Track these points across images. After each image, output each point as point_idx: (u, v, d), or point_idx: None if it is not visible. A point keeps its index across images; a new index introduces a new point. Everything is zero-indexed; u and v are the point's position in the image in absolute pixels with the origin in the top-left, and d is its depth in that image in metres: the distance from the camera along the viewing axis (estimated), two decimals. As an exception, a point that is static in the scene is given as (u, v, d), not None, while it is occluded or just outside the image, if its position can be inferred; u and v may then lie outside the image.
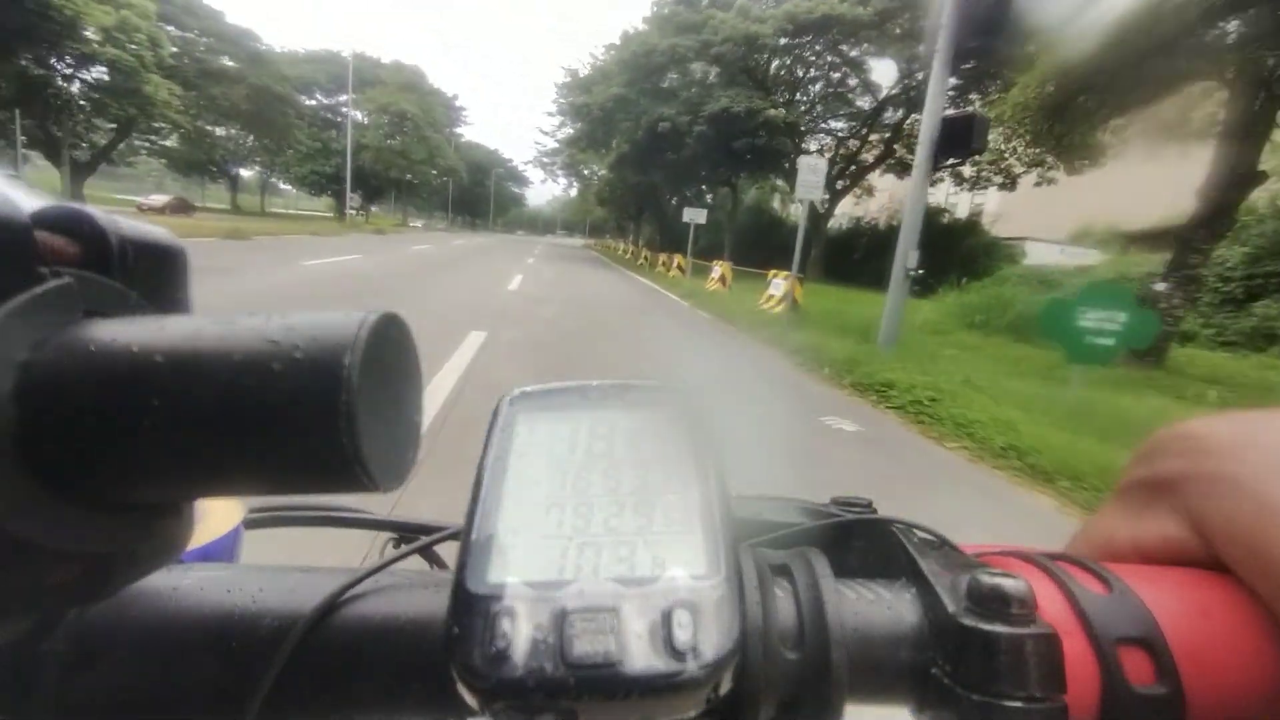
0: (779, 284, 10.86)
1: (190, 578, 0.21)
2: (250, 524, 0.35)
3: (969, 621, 0.17)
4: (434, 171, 59.52)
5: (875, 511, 0.26)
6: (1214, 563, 0.19)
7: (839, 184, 25.09)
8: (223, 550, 0.32)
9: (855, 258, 27.45)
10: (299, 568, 0.22)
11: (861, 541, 0.25)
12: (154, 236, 0.17)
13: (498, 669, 0.14)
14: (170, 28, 28.83)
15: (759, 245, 28.22)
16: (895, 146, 23.46)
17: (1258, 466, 0.18)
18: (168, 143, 37.61)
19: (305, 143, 37.88)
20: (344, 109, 50.40)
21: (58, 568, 0.13)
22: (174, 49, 25.40)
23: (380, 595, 0.21)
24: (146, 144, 35.51)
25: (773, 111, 20.03)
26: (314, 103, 49.49)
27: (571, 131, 33.63)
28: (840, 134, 24.87)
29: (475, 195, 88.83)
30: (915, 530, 0.24)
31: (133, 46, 20.96)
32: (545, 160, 45.56)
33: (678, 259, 19.47)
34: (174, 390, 0.12)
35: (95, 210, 0.15)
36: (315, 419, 0.12)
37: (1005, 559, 0.22)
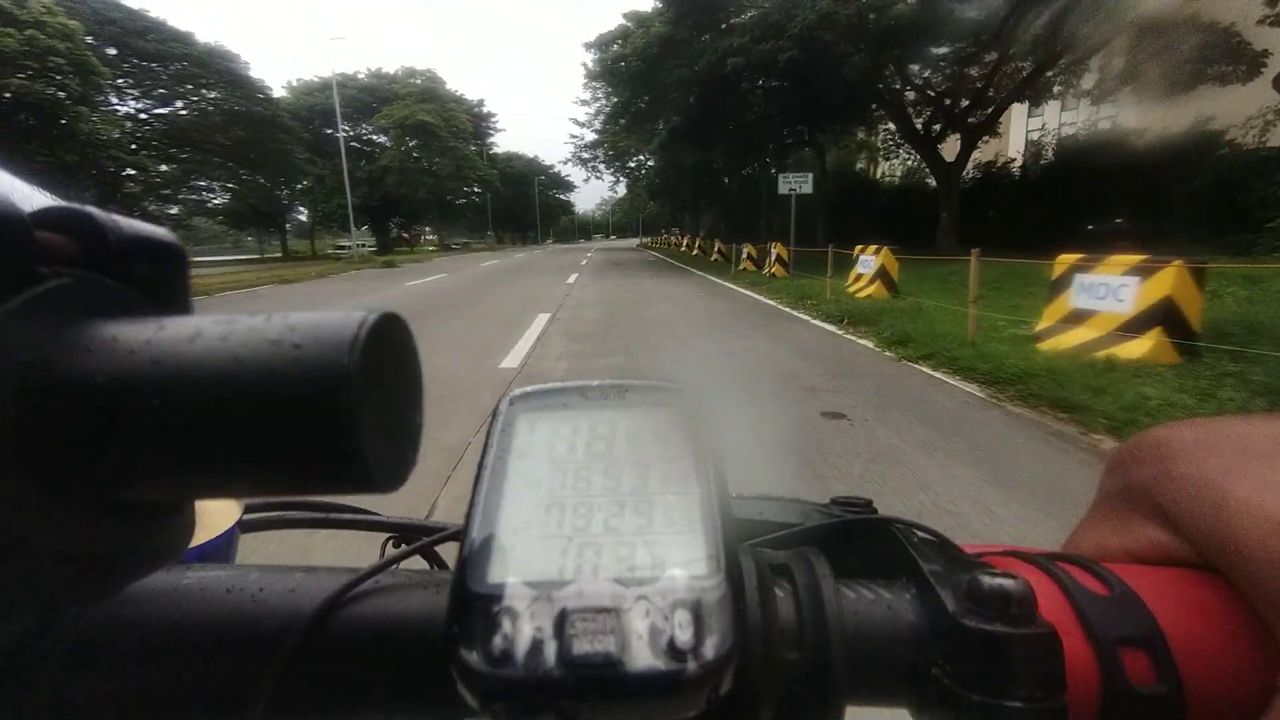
0: (1119, 290, 4.55)
1: (190, 578, 0.21)
2: (250, 524, 0.35)
3: (969, 622, 0.17)
4: (471, 188, 55.67)
5: (875, 512, 0.26)
6: (1208, 563, 0.19)
7: (970, 119, 18.33)
8: (218, 550, 0.32)
9: (990, 217, 20.69)
10: (299, 568, 0.22)
11: (861, 541, 0.25)
12: (154, 236, 0.17)
13: (498, 669, 0.14)
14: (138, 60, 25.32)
15: (851, 219, 21.88)
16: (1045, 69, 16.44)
17: (1220, 468, 0.19)
18: (218, 199, 34.87)
19: (310, 170, 33.92)
20: (363, 134, 47.00)
21: (58, 568, 0.13)
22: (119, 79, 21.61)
23: (381, 595, 0.21)
24: (175, 201, 32.63)
25: (900, 6, 13.58)
26: (343, 133, 46.39)
27: (609, 108, 28.07)
28: (943, 65, 17.92)
29: (521, 208, 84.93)
30: (915, 530, 0.24)
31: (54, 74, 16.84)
32: (584, 155, 40.21)
33: (776, 249, 13.54)
34: (174, 390, 0.12)
35: (95, 210, 0.15)
36: (315, 419, 0.12)
37: (1005, 559, 0.22)
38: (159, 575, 0.21)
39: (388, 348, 0.14)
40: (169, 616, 0.20)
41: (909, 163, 29.44)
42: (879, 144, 29.77)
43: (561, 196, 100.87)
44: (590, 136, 36.75)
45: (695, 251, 26.48)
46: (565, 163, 44.44)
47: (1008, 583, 0.18)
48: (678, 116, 22.84)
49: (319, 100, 42.62)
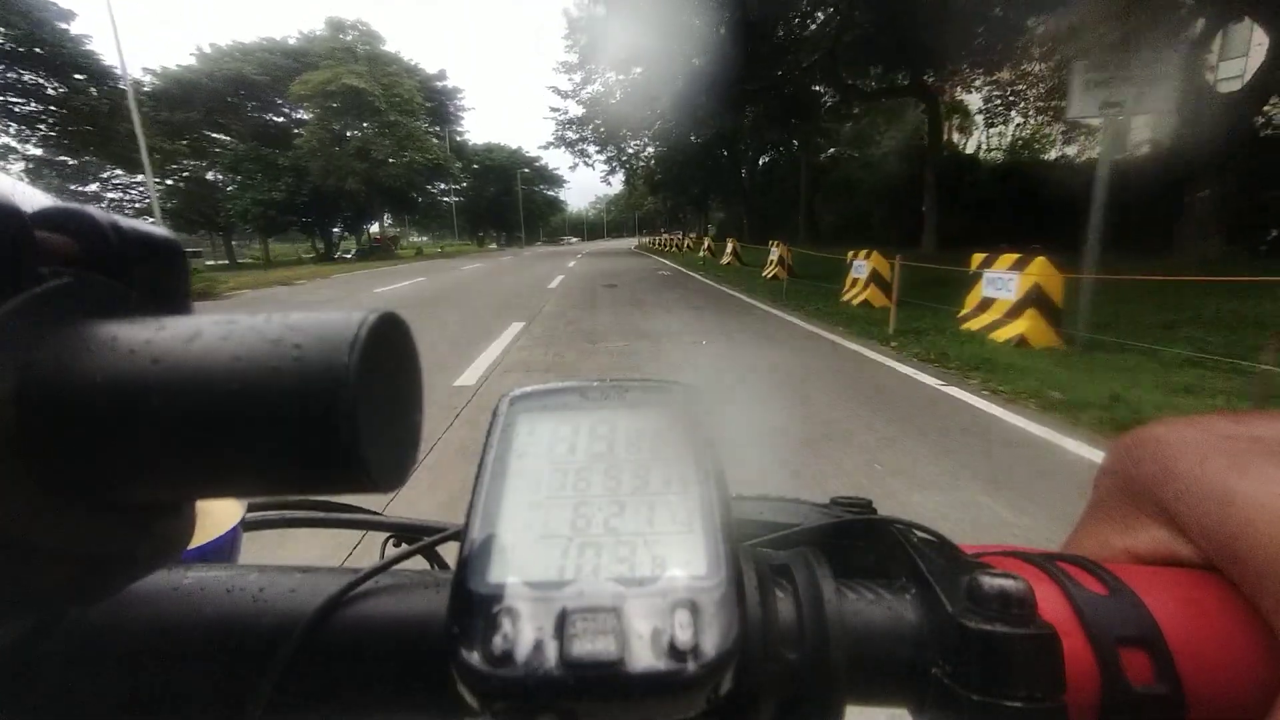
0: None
1: (190, 578, 0.21)
2: (250, 524, 0.35)
3: (969, 622, 0.17)
4: (436, 182, 46.71)
5: (875, 512, 0.26)
6: (1208, 563, 0.19)
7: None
8: (221, 550, 0.32)
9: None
10: (299, 567, 0.22)
11: (861, 541, 0.25)
12: (154, 235, 0.17)
13: (498, 669, 0.14)
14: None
15: (952, 214, 13.46)
16: None
17: (1223, 466, 0.19)
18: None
19: (164, 146, 24.78)
20: (284, 111, 37.97)
21: (58, 568, 0.13)
22: None
23: (381, 595, 0.21)
24: None
25: None
26: (281, 118, 37.43)
27: (591, 59, 19.37)
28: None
29: (503, 205, 75.63)
30: (915, 530, 0.24)
31: None
32: (569, 135, 31.50)
33: (1032, 276, 4.85)
34: (174, 390, 0.12)
35: (95, 210, 0.15)
36: (315, 419, 0.12)
37: (1005, 559, 0.22)
38: (159, 575, 0.21)
39: (388, 348, 0.14)
40: (169, 616, 0.20)
41: (1025, 131, 21.05)
42: (969, 105, 21.22)
43: (550, 193, 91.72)
44: (577, 110, 28.03)
45: (727, 259, 17.53)
46: (546, 148, 35.34)
47: (1008, 583, 0.18)
48: (699, 59, 14.37)
49: (237, 68, 33.66)
